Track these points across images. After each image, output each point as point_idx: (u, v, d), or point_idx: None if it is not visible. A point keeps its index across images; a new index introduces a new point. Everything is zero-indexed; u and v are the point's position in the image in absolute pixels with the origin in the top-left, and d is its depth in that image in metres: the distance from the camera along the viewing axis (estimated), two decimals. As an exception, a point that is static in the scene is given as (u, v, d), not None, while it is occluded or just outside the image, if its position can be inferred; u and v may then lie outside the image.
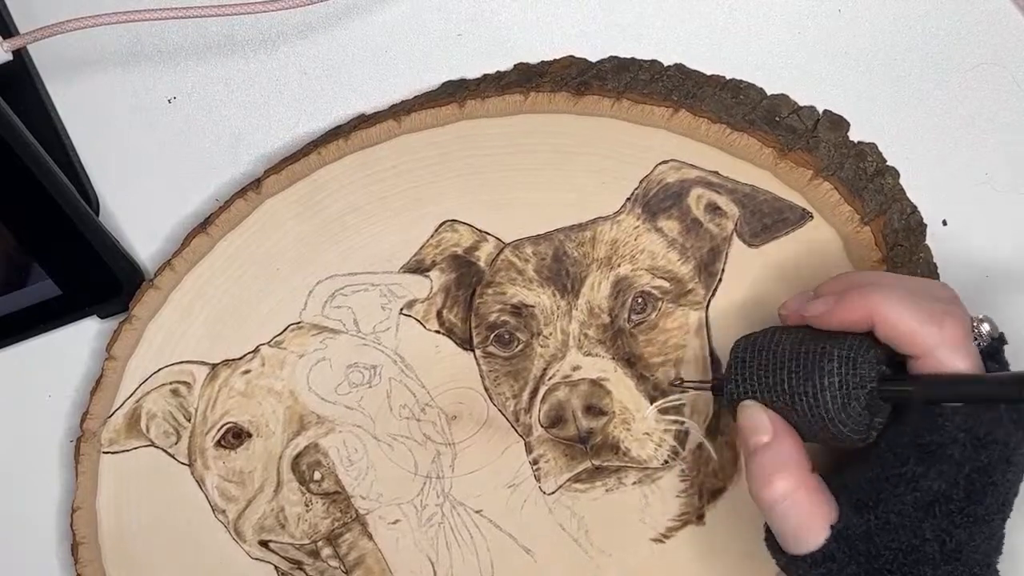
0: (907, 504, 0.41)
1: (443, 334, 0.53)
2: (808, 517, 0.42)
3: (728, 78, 0.53)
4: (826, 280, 0.46)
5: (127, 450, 0.54)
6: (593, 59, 0.54)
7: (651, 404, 0.52)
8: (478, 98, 0.50)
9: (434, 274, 0.53)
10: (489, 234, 0.52)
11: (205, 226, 0.53)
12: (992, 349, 0.42)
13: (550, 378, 0.52)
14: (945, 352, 0.41)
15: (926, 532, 0.40)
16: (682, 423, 0.52)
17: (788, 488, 0.42)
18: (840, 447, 0.44)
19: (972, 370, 0.41)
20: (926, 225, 0.53)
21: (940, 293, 0.43)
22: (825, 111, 0.52)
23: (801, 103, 0.52)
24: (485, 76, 0.54)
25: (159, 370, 0.54)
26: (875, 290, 0.42)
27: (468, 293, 0.53)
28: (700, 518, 0.53)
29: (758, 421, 0.44)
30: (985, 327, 0.42)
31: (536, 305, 0.52)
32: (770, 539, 0.45)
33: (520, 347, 0.52)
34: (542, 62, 0.54)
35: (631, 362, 0.52)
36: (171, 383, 0.54)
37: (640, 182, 0.51)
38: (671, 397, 0.52)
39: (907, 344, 0.41)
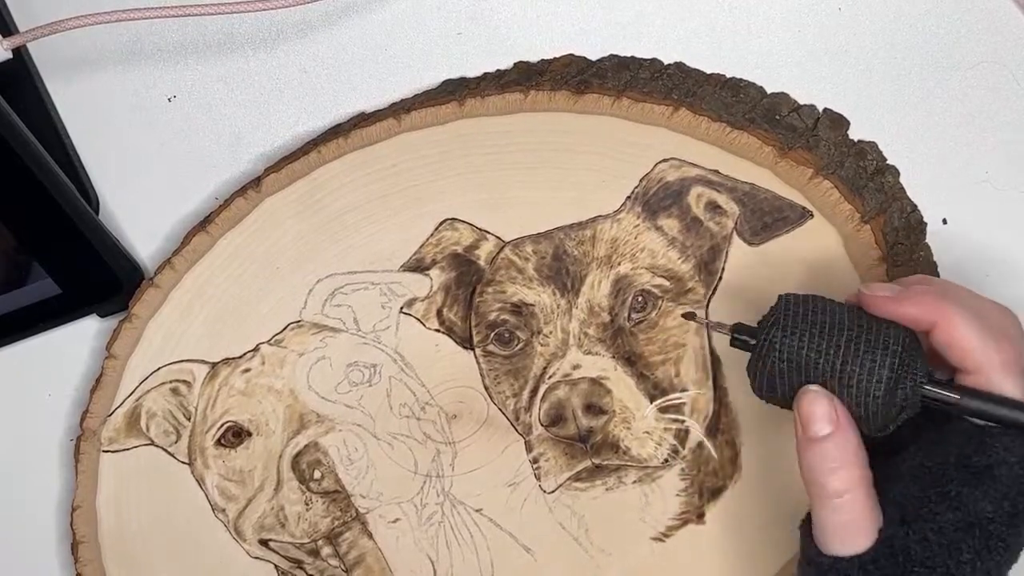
0: (948, 524, 0.40)
1: (443, 333, 0.53)
2: (862, 517, 0.41)
3: (728, 76, 0.53)
4: (911, 276, 0.45)
5: (127, 449, 0.54)
6: (593, 57, 0.54)
7: (651, 403, 0.52)
8: (478, 96, 0.50)
9: (434, 273, 0.53)
10: (489, 233, 0.52)
11: (205, 225, 0.53)
12: None
13: (550, 377, 0.52)
14: (996, 373, 0.40)
15: (964, 553, 0.39)
16: (682, 422, 0.52)
17: (851, 483, 0.41)
18: (862, 430, 0.42)
19: (1019, 396, 0.40)
20: (926, 224, 0.53)
21: (1003, 317, 0.42)
22: (825, 109, 0.52)
23: (801, 101, 0.52)
24: (485, 75, 0.54)
25: (159, 369, 0.54)
26: (948, 295, 0.42)
27: (468, 292, 0.53)
28: (700, 517, 0.53)
29: (822, 409, 0.41)
30: None
31: (536, 304, 0.52)
32: (806, 530, 0.43)
33: (520, 346, 0.52)
34: (542, 60, 0.54)
35: (631, 361, 0.52)
36: (171, 382, 0.54)
37: (640, 180, 0.51)
38: (671, 396, 0.52)
39: (960, 357, 0.41)
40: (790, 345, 0.42)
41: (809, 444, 0.42)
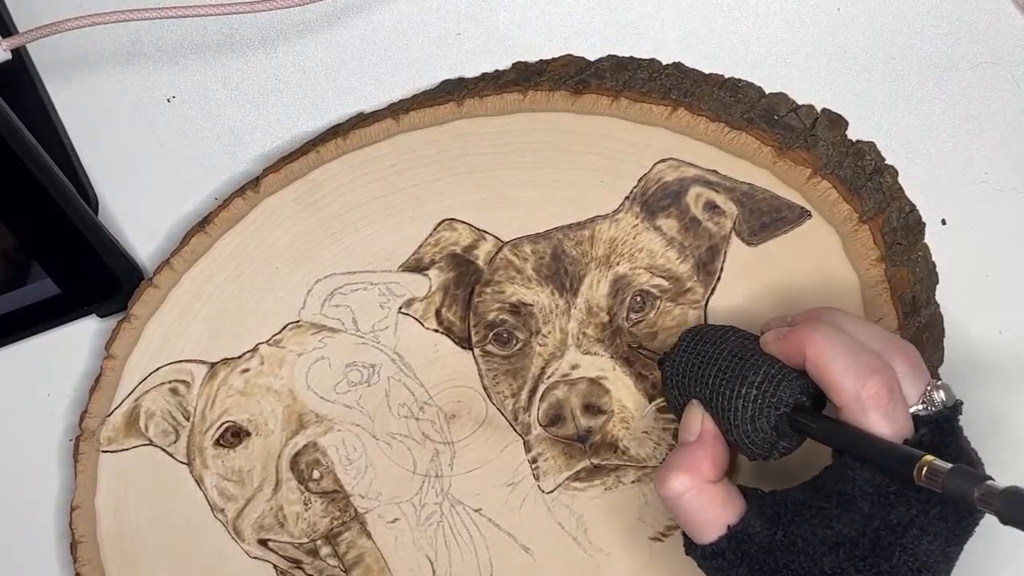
0: (816, 536, 0.42)
1: (442, 333, 0.53)
2: (701, 516, 0.44)
3: (726, 76, 0.53)
4: (803, 311, 0.46)
5: (126, 449, 0.54)
6: (591, 58, 0.54)
7: (650, 403, 0.52)
8: (476, 97, 0.50)
9: (433, 273, 0.53)
10: (488, 233, 0.52)
11: (204, 225, 0.53)
12: (941, 417, 0.42)
13: (549, 377, 0.52)
14: (859, 409, 0.41)
15: (825, 566, 0.41)
16: (681, 422, 0.52)
17: (680, 488, 0.44)
18: (744, 455, 0.45)
19: (888, 431, 0.41)
20: (925, 224, 0.53)
21: (887, 349, 0.43)
22: (824, 109, 0.52)
23: (800, 101, 0.52)
24: (484, 75, 0.54)
25: (158, 369, 0.54)
26: (816, 332, 0.42)
27: (467, 292, 0.53)
28: (699, 517, 0.53)
29: (690, 420, 0.46)
30: (939, 394, 0.42)
31: (535, 304, 0.52)
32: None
33: (519, 346, 0.52)
34: (540, 61, 0.54)
35: (630, 361, 0.52)
36: (170, 382, 0.54)
37: (639, 181, 0.51)
38: (670, 396, 0.52)
39: (829, 392, 0.42)
40: (676, 374, 0.47)
41: (674, 449, 0.46)
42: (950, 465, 0.38)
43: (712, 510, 0.44)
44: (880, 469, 0.41)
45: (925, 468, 0.38)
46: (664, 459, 0.46)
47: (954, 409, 0.42)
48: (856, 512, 0.41)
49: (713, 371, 0.45)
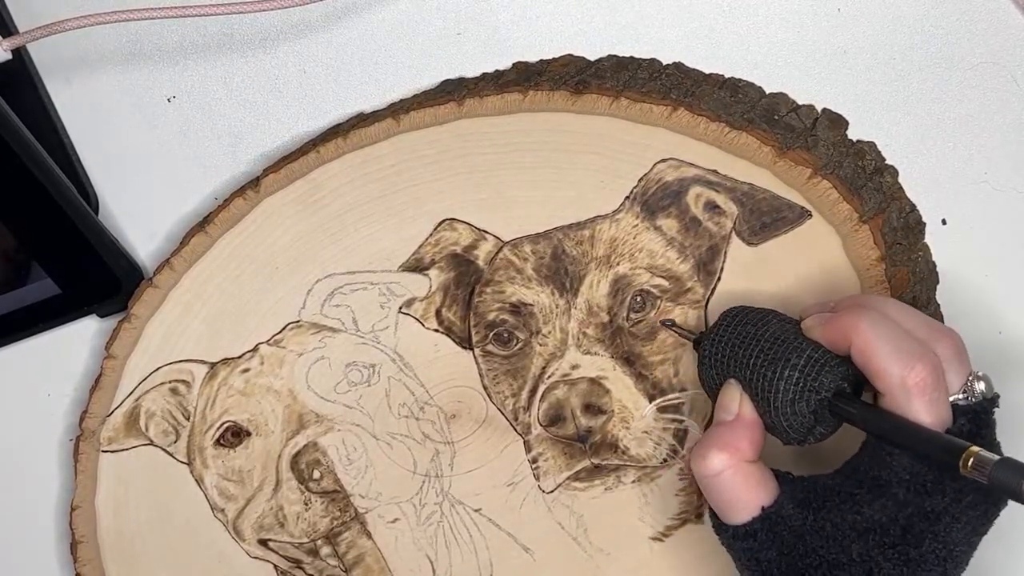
0: (846, 522, 0.42)
1: (442, 333, 0.53)
2: (736, 495, 0.44)
3: (727, 76, 0.53)
4: (845, 296, 0.46)
5: (126, 449, 0.54)
6: (592, 58, 0.54)
7: (650, 403, 0.52)
8: (477, 97, 0.50)
9: (433, 273, 0.53)
10: (488, 233, 0.52)
11: (204, 225, 0.53)
12: (980, 408, 0.42)
13: (549, 377, 0.52)
14: (903, 396, 0.41)
15: (853, 553, 0.41)
16: (681, 421, 0.52)
17: (718, 466, 0.44)
18: (778, 438, 0.45)
19: (930, 420, 0.41)
20: (925, 223, 0.53)
21: (931, 337, 0.43)
22: (824, 109, 0.52)
23: (800, 101, 0.52)
24: (484, 75, 0.54)
25: (158, 369, 0.54)
26: (862, 318, 0.42)
27: (467, 292, 0.53)
28: (699, 516, 0.53)
29: (729, 400, 0.45)
30: (980, 385, 0.42)
31: (535, 304, 0.52)
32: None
33: (519, 346, 0.52)
34: (541, 61, 0.54)
35: (630, 361, 0.52)
36: (170, 382, 0.54)
37: (639, 180, 0.51)
38: (670, 396, 0.52)
39: (873, 378, 0.42)
40: (716, 354, 0.46)
41: (711, 427, 0.46)
42: (997, 456, 0.38)
43: (748, 490, 0.44)
44: (921, 458, 0.41)
45: (972, 459, 0.38)
46: (700, 438, 0.46)
47: (992, 401, 0.42)
48: (890, 499, 0.41)
49: (755, 352, 0.44)
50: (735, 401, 0.45)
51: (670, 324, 0.51)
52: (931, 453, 0.40)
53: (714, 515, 0.45)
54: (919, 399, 0.41)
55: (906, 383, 0.41)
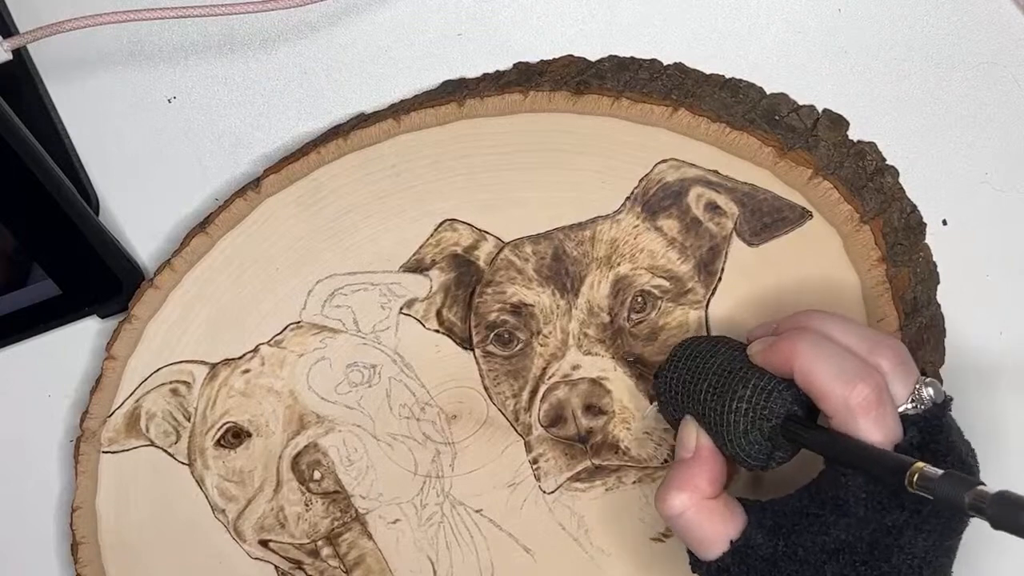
0: (816, 544, 0.42)
1: (443, 333, 0.53)
2: (703, 533, 0.44)
3: (727, 77, 0.53)
4: (788, 316, 0.46)
5: (127, 450, 0.54)
6: (592, 58, 0.54)
7: (651, 403, 0.52)
8: (477, 97, 0.50)
9: (434, 273, 0.53)
10: (488, 233, 0.52)
11: (205, 226, 0.53)
12: (930, 415, 0.42)
13: (550, 377, 0.52)
14: (848, 416, 0.41)
15: (827, 573, 0.41)
16: (682, 422, 0.52)
17: (680, 506, 0.44)
18: (741, 466, 0.45)
19: (879, 437, 0.40)
20: (925, 224, 0.53)
21: (869, 348, 0.42)
22: (825, 110, 0.52)
23: (801, 102, 0.52)
24: (485, 75, 0.54)
25: (159, 369, 0.54)
26: (800, 341, 0.42)
27: (468, 292, 0.53)
28: (700, 517, 0.53)
29: (686, 437, 0.46)
30: (928, 391, 0.42)
31: (536, 304, 0.52)
32: None
33: (520, 346, 0.52)
34: (541, 61, 0.54)
35: (631, 361, 0.52)
36: (171, 382, 0.54)
37: (639, 181, 0.51)
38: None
39: (819, 401, 0.42)
40: (667, 390, 0.47)
41: (672, 465, 0.46)
42: (941, 471, 0.38)
43: (713, 526, 0.44)
44: (872, 477, 0.41)
45: (916, 475, 0.38)
46: (663, 478, 0.46)
47: (943, 406, 0.42)
48: (851, 517, 0.41)
49: (703, 387, 0.45)
50: (692, 437, 0.45)
51: (632, 359, 0.51)
52: (879, 472, 0.40)
53: (690, 553, 0.45)
54: (864, 418, 0.40)
55: (849, 403, 0.40)
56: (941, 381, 0.51)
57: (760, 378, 0.43)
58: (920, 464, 0.38)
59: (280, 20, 0.55)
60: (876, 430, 0.40)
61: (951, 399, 0.43)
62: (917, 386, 0.42)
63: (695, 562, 0.45)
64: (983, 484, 0.37)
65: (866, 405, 0.40)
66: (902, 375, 0.42)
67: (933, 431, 0.41)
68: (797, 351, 0.42)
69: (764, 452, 0.43)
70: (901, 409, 0.42)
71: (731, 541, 0.43)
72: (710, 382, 0.45)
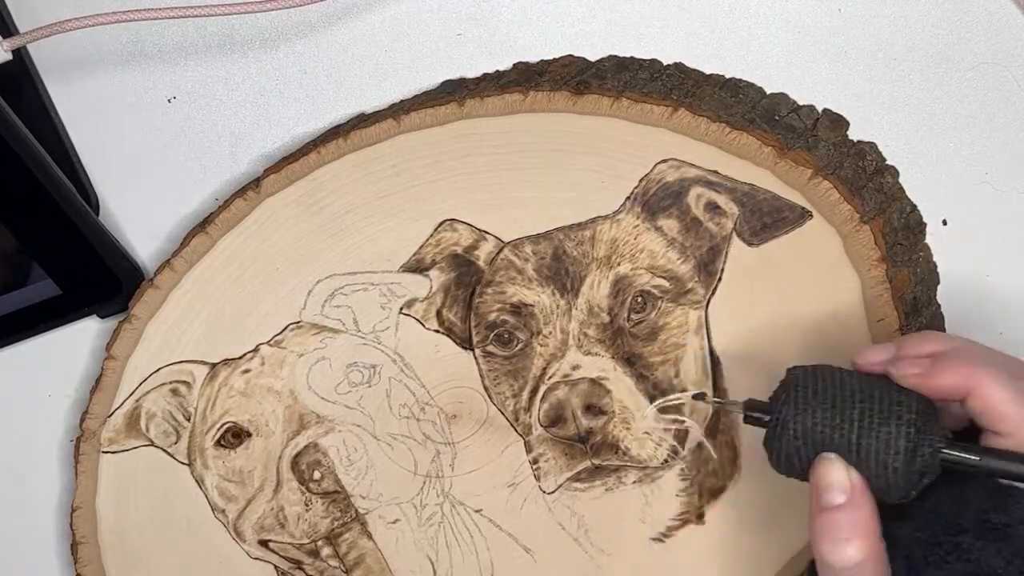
0: (956, 573, 0.40)
1: (443, 333, 0.53)
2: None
3: (727, 77, 0.53)
4: (908, 336, 0.45)
5: (127, 450, 0.54)
6: (592, 58, 0.54)
7: (651, 403, 0.52)
8: (477, 97, 0.50)
9: (433, 273, 0.53)
10: (488, 233, 0.52)
11: (204, 226, 0.53)
12: None
13: (550, 377, 0.52)
14: None
15: None
16: (682, 422, 0.52)
17: (861, 557, 0.41)
18: (882, 499, 0.42)
19: None
20: (925, 224, 0.53)
21: (1019, 370, 0.42)
22: (824, 110, 0.52)
23: (801, 102, 0.52)
24: (484, 75, 0.54)
25: (159, 369, 0.54)
26: (978, 361, 0.41)
27: (468, 292, 0.53)
28: (700, 517, 0.53)
29: (838, 478, 0.41)
30: None
31: (536, 304, 0.52)
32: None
33: (520, 346, 0.52)
34: (541, 61, 0.54)
35: (631, 361, 0.52)
36: (171, 382, 0.54)
37: (639, 181, 0.51)
38: (671, 396, 0.52)
39: (994, 421, 0.41)
40: (803, 423, 0.42)
41: (820, 513, 0.41)
42: None
43: (887, 565, 0.41)
44: None
45: None
46: (817, 524, 0.42)
47: None
48: (1007, 542, 0.40)
49: (852, 416, 0.41)
50: (844, 475, 0.41)
51: (715, 401, 0.50)
52: None
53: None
54: None
55: None
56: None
57: (917, 400, 0.41)
58: None
59: (280, 20, 0.55)
60: None
61: None
62: None
63: None
64: None
65: None
66: None
67: None
68: (976, 375, 0.41)
69: (915, 480, 0.41)
70: None
71: None
72: (861, 409, 0.41)
